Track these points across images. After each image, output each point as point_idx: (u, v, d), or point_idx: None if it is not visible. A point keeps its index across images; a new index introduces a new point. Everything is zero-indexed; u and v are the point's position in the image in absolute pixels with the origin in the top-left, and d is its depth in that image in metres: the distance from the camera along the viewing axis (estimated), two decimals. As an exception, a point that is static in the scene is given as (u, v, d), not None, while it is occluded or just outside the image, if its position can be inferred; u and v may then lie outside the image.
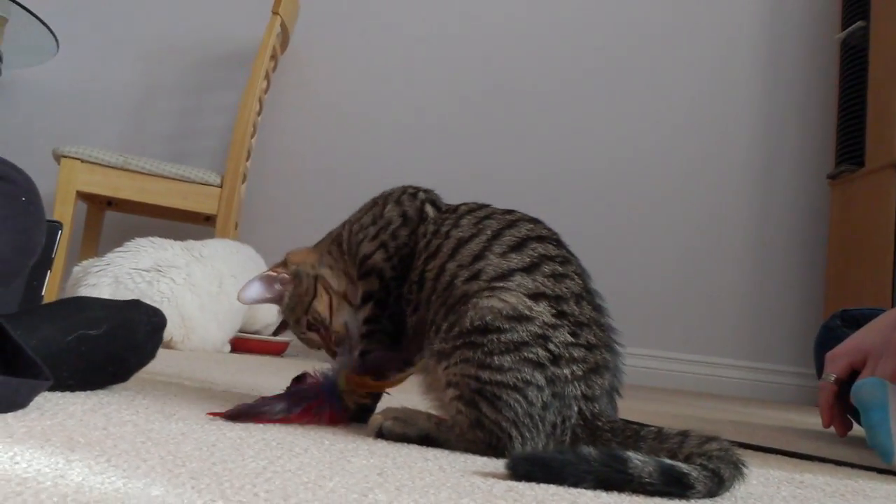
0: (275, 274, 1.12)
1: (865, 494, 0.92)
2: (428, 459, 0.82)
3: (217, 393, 1.23)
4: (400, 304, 1.04)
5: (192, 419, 0.92)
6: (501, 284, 0.90)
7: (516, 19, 3.58)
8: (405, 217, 1.08)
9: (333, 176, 3.44)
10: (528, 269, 0.91)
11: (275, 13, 2.94)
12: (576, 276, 0.93)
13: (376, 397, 1.06)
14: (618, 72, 3.52)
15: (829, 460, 1.17)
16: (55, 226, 1.35)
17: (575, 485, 0.73)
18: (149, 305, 1.12)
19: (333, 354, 1.09)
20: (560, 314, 0.88)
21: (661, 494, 0.72)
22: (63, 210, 2.65)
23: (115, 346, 1.04)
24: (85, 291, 2.10)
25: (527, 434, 0.85)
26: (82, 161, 2.70)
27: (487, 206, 1.06)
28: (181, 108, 3.58)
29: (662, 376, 3.23)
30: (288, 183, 3.47)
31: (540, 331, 0.86)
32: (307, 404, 0.98)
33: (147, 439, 0.76)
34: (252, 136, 2.98)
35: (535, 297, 0.89)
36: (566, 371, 0.86)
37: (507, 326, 0.86)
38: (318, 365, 1.06)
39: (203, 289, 2.27)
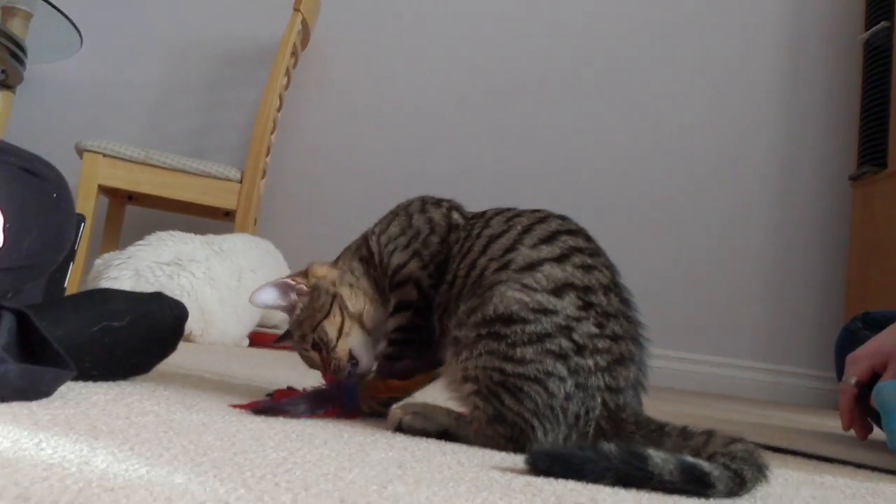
0: (293, 283, 1.09)
1: (886, 497, 0.91)
2: (446, 453, 0.82)
3: (237, 386, 1.24)
4: (432, 310, 1.03)
5: (213, 410, 0.92)
6: (529, 274, 0.90)
7: (539, 16, 3.57)
8: (432, 224, 1.07)
9: (352, 172, 3.46)
10: (559, 260, 0.91)
11: (296, 10, 2.96)
12: (605, 269, 0.94)
13: (391, 402, 1.04)
14: (639, 71, 3.50)
15: (850, 462, 1.16)
16: (78, 218, 1.36)
17: (595, 481, 0.73)
18: (171, 298, 1.13)
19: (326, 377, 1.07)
20: (587, 305, 0.88)
21: (681, 493, 0.72)
22: (85, 204, 2.67)
23: (137, 337, 1.05)
24: (106, 284, 2.12)
25: (548, 425, 0.84)
26: (104, 155, 2.73)
27: (513, 208, 1.06)
28: (202, 103, 3.61)
29: (680, 377, 3.21)
30: (307, 179, 3.49)
31: (564, 322, 0.86)
32: (325, 410, 0.98)
33: (169, 429, 0.77)
34: (272, 133, 2.99)
35: (564, 287, 0.89)
36: (590, 362, 0.85)
37: (532, 318, 0.86)
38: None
39: (223, 283, 2.28)
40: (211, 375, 1.35)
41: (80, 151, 2.74)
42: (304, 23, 3.02)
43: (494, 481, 0.70)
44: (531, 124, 3.49)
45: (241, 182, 2.83)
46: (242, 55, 3.59)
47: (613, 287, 0.93)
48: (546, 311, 0.87)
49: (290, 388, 1.13)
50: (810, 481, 0.95)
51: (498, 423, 0.87)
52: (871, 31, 3.11)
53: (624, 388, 0.87)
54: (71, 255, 1.41)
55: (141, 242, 2.29)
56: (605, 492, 0.71)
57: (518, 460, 0.80)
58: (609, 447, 0.75)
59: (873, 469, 1.13)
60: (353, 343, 1.05)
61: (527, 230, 0.97)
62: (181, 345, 1.17)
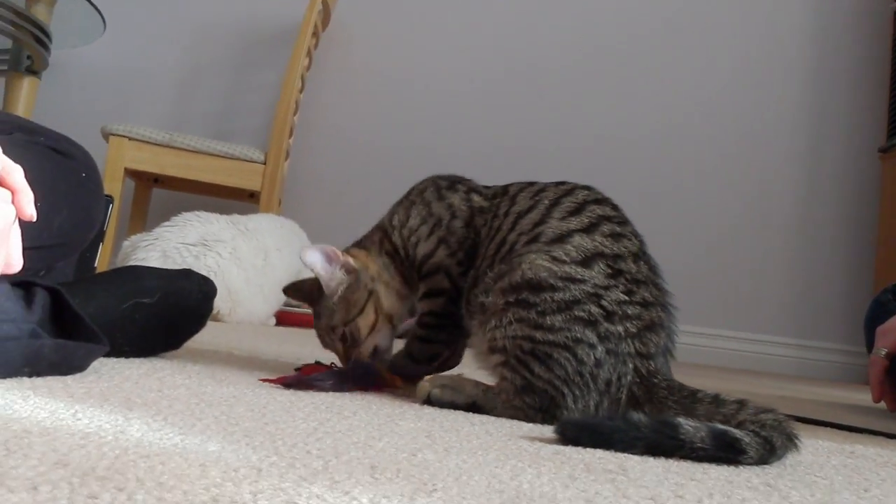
0: (340, 256, 1.07)
1: (919, 466, 0.90)
2: (475, 424, 0.83)
3: (265, 361, 1.26)
4: (462, 296, 1.03)
5: (243, 384, 0.94)
6: (559, 245, 0.90)
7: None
8: (453, 209, 1.06)
9: (375, 152, 3.45)
10: (588, 230, 0.92)
11: (316, -10, 2.94)
12: (633, 237, 0.94)
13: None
14: (668, 41, 3.45)
15: (880, 433, 1.15)
16: (107, 199, 1.38)
17: (625, 450, 0.73)
18: (199, 274, 1.14)
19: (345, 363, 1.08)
20: (617, 272, 0.88)
21: (713, 460, 0.72)
22: (112, 187, 2.69)
23: (168, 314, 1.06)
24: (134, 265, 2.14)
25: (578, 392, 0.85)
26: (130, 139, 2.75)
27: (536, 182, 1.05)
28: (225, 86, 3.62)
29: (707, 353, 3.19)
30: (330, 159, 3.49)
31: (592, 290, 0.86)
32: (349, 388, 0.99)
33: (200, 401, 0.78)
34: (295, 114, 3.00)
35: (593, 256, 0.89)
36: (619, 328, 0.85)
37: (560, 285, 0.86)
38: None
39: (249, 262, 2.30)
40: (239, 352, 1.36)
41: (106, 135, 2.76)
42: (324, 3, 3.01)
43: (523, 450, 0.71)
44: (558, 101, 3.46)
45: (265, 163, 2.85)
46: (264, 37, 3.59)
47: (642, 255, 0.93)
48: (574, 280, 0.87)
49: (318, 363, 1.14)
50: (840, 450, 0.94)
51: (527, 393, 0.87)
52: (901, -2, 3.04)
53: (655, 354, 0.87)
54: (100, 235, 1.43)
55: (167, 224, 2.31)
56: (634, 459, 0.71)
57: (547, 431, 0.81)
58: (639, 417, 0.75)
59: (905, 439, 1.12)
60: (380, 339, 1.06)
61: (555, 203, 0.97)
62: (209, 324, 1.18)
